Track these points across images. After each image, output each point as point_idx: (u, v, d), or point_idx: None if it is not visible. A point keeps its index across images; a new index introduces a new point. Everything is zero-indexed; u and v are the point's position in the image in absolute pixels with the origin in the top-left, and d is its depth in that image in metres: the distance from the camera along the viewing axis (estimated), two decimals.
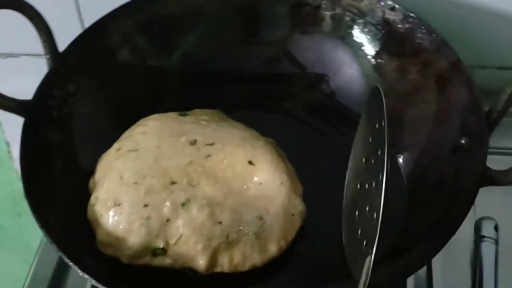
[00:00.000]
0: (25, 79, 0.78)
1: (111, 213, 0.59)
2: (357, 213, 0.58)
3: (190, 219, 0.58)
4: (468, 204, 0.57)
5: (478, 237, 0.66)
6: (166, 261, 0.58)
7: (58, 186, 0.61)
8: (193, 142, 0.62)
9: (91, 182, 0.63)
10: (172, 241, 0.58)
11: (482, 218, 0.67)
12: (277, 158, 0.63)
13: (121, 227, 0.58)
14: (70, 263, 0.54)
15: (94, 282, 0.53)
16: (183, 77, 0.72)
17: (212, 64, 0.73)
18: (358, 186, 0.60)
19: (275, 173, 0.61)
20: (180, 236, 0.58)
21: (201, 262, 0.57)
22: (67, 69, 0.66)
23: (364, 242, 0.54)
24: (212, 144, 0.62)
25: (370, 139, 0.58)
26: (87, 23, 0.74)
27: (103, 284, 0.53)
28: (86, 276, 0.53)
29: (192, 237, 0.58)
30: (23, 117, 0.62)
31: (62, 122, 0.65)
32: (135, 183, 0.60)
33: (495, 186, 0.59)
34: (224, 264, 0.58)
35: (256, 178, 0.61)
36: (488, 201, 0.61)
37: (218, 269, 0.58)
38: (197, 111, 0.68)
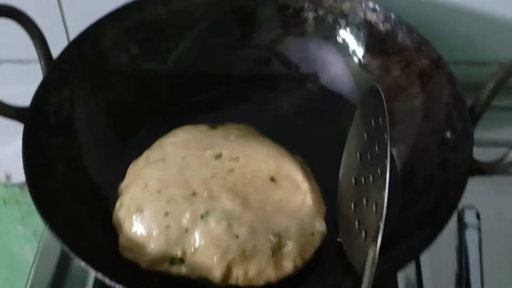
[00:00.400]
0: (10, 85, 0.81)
1: (133, 219, 0.61)
2: (353, 206, 0.61)
3: (208, 231, 0.59)
4: (457, 195, 0.59)
5: (462, 226, 0.69)
6: (183, 270, 0.59)
7: (62, 188, 0.62)
8: (218, 156, 0.64)
9: (119, 187, 0.64)
10: (189, 251, 0.59)
11: (464, 208, 0.70)
12: (301, 177, 0.63)
13: (141, 233, 0.60)
14: (82, 263, 0.55)
15: (107, 280, 0.54)
16: (175, 80, 0.73)
17: (203, 67, 0.74)
18: (353, 181, 0.62)
19: (296, 191, 0.62)
20: (198, 246, 0.59)
21: (216, 274, 0.58)
22: (61, 76, 0.67)
23: (363, 233, 0.57)
24: (237, 158, 0.63)
25: (365, 136, 0.61)
26: (72, 33, 0.76)
27: (116, 281, 0.54)
28: (100, 276, 0.54)
29: (209, 249, 0.59)
30: (22, 124, 0.63)
31: (61, 127, 0.66)
32: (158, 191, 0.61)
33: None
34: (239, 277, 0.58)
35: (276, 195, 0.62)
36: (469, 190, 0.61)
37: (232, 281, 0.58)
38: (228, 125, 0.69)
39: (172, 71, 0.74)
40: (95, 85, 0.70)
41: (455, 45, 0.80)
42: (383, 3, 0.72)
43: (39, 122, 0.64)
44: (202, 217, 0.59)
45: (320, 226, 0.61)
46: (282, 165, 0.64)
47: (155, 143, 0.67)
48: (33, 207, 1.02)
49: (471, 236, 0.69)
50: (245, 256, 0.58)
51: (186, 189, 0.61)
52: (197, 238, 0.59)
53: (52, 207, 0.60)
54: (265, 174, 0.63)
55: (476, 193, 0.69)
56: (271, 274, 0.59)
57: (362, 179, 0.60)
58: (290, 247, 0.59)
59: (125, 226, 0.61)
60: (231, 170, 0.62)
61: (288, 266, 0.59)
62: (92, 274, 0.64)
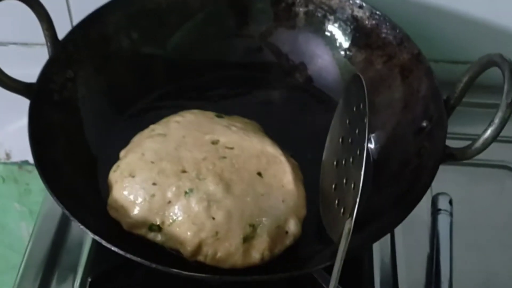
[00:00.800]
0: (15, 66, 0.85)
1: (124, 182, 0.65)
2: (333, 186, 0.65)
3: (188, 207, 0.62)
4: (429, 178, 0.63)
5: (435, 210, 0.73)
6: (159, 237, 0.63)
7: (63, 159, 0.66)
8: (215, 142, 0.67)
9: (121, 152, 0.68)
10: (167, 222, 0.63)
11: (438, 194, 0.74)
12: (288, 179, 0.65)
13: (128, 196, 0.64)
14: (81, 226, 0.59)
15: (98, 239, 0.58)
16: (172, 65, 0.77)
17: (199, 54, 0.78)
18: (335, 163, 0.67)
19: (279, 190, 0.64)
20: (175, 219, 0.63)
21: (187, 248, 0.62)
22: (66, 56, 0.71)
23: (342, 210, 0.61)
24: (232, 148, 0.66)
25: (347, 121, 0.65)
26: (76, 17, 0.80)
27: (107, 241, 0.58)
28: (92, 235, 0.59)
29: (185, 224, 0.62)
30: (28, 99, 0.67)
31: (63, 105, 0.69)
32: (152, 162, 0.65)
33: (449, 166, 0.65)
34: (208, 256, 0.62)
35: (259, 189, 0.64)
36: (443, 179, 0.65)
37: (201, 259, 0.62)
38: (235, 117, 0.72)
39: (170, 56, 0.78)
40: (97, 66, 0.73)
41: (436, 44, 0.84)
42: (369, 2, 0.76)
43: (43, 98, 0.68)
44: (185, 193, 0.63)
45: (294, 227, 0.63)
46: (272, 164, 0.66)
47: (162, 119, 0.70)
48: (30, 186, 1.07)
49: (443, 221, 0.73)
50: (217, 238, 0.61)
51: (177, 165, 0.65)
52: (177, 212, 0.63)
53: (53, 176, 0.63)
54: (254, 168, 0.65)
55: (450, 181, 0.75)
56: (237, 260, 0.62)
57: (343, 161, 0.65)
58: (261, 239, 0.62)
59: (116, 187, 0.65)
60: (223, 157, 0.65)
61: (255, 256, 0.62)
62: (86, 249, 0.70)
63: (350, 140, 0.64)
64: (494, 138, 0.60)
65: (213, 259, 0.62)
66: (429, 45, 0.82)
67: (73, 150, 0.68)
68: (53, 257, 0.72)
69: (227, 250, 0.62)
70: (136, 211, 0.63)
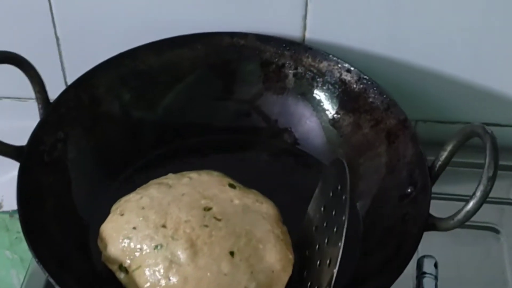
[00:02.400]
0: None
1: (114, 217, 0.68)
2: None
3: (152, 261, 0.64)
4: (413, 246, 0.64)
5: (420, 273, 0.73)
6: (124, 279, 0.65)
7: (51, 223, 0.67)
8: (207, 209, 0.67)
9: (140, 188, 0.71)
10: (133, 267, 0.65)
11: (423, 256, 0.73)
12: (264, 266, 0.65)
13: (112, 231, 0.67)
14: None
15: None
16: (162, 128, 0.78)
17: (189, 116, 0.79)
18: (314, 228, 0.68)
19: (245, 275, 0.64)
20: (138, 268, 0.64)
21: None
22: (57, 118, 0.72)
23: None
24: (219, 220, 0.66)
25: (322, 209, 0.67)
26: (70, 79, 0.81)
27: None
28: None
29: (144, 276, 0.64)
30: (18, 162, 0.68)
31: (53, 165, 0.70)
32: (143, 208, 0.67)
33: None
34: None
35: (223, 268, 0.63)
36: (429, 241, 0.66)
37: None
38: (253, 191, 0.71)
39: (160, 119, 0.79)
40: (87, 127, 0.74)
41: (424, 105, 0.85)
42: (357, 65, 0.77)
43: (33, 160, 0.69)
44: (155, 247, 0.64)
45: None
46: (251, 248, 0.65)
47: (183, 172, 0.72)
48: (21, 234, 1.06)
49: (428, 284, 0.72)
50: None
51: (160, 219, 0.66)
52: (142, 262, 0.64)
53: (40, 239, 0.64)
54: (228, 245, 0.64)
55: (436, 242, 0.75)
56: None
57: (317, 246, 0.65)
58: None
59: (108, 219, 0.68)
60: (205, 226, 0.65)
61: None
62: None
63: (324, 224, 0.65)
64: (476, 210, 0.61)
65: None
66: (418, 105, 0.85)
67: (61, 212, 0.69)
68: None
69: None
70: (113, 247, 0.66)
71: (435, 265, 0.74)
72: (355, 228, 0.71)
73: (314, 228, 0.67)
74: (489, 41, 0.80)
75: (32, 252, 0.62)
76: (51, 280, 0.60)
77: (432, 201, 0.67)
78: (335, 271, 0.59)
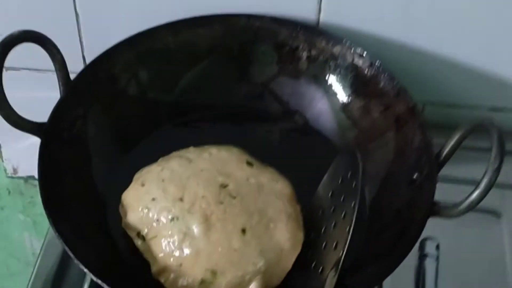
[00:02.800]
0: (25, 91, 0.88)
1: (135, 186, 0.71)
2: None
3: (168, 232, 0.67)
4: (417, 232, 0.66)
5: (422, 255, 0.76)
6: (141, 246, 0.69)
7: (70, 197, 0.69)
8: (224, 186, 0.69)
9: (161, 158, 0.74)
10: (150, 235, 0.68)
11: (425, 239, 0.77)
12: (273, 245, 0.67)
13: (132, 200, 0.71)
14: (84, 268, 0.62)
15: (100, 282, 0.61)
16: (177, 106, 0.80)
17: (204, 97, 0.81)
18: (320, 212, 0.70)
19: (254, 252, 0.66)
20: (155, 237, 0.68)
21: (153, 267, 0.67)
22: (76, 95, 0.73)
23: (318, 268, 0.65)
24: (233, 197, 0.68)
25: (330, 194, 0.69)
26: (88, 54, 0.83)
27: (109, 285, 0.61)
28: (94, 278, 0.61)
29: (159, 246, 0.67)
30: (39, 138, 0.70)
31: (72, 142, 0.72)
32: (163, 180, 0.70)
33: None
34: (168, 281, 0.66)
35: (234, 244, 0.66)
36: (432, 223, 0.67)
37: (162, 280, 0.67)
38: (269, 169, 0.73)
39: (175, 99, 0.81)
40: (105, 105, 0.76)
41: (433, 88, 0.87)
42: (370, 49, 0.79)
43: (54, 136, 0.71)
44: (172, 219, 0.67)
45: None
46: (262, 226, 0.68)
47: (204, 146, 0.74)
48: (34, 199, 1.11)
49: (429, 265, 0.76)
50: (180, 269, 0.66)
51: (179, 192, 0.69)
52: (159, 231, 0.68)
53: (60, 213, 0.66)
54: (240, 222, 0.67)
55: (438, 224, 0.77)
56: None
57: (323, 229, 0.68)
58: (218, 286, 0.65)
59: (130, 187, 0.72)
60: (220, 202, 0.68)
61: None
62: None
63: (332, 209, 0.68)
64: (480, 200, 0.63)
65: (172, 285, 0.66)
66: (428, 88, 0.87)
67: (80, 186, 0.71)
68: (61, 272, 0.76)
69: (185, 284, 0.66)
70: (132, 215, 0.69)
71: (437, 247, 0.77)
72: (360, 212, 0.73)
73: (320, 212, 0.70)
74: (500, 29, 0.81)
75: (52, 226, 0.64)
76: (70, 254, 0.63)
77: (438, 184, 0.69)
78: (343, 254, 0.62)
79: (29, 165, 1.02)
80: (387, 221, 0.71)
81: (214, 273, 0.66)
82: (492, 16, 0.80)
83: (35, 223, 1.13)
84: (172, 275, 0.66)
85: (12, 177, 1.06)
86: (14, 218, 1.14)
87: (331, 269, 0.63)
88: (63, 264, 0.76)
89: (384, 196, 0.74)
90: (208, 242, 0.66)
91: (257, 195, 0.70)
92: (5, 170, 1.04)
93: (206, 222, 0.67)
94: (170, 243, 0.67)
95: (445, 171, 0.70)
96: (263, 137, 0.81)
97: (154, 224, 0.68)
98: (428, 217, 0.67)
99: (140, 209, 0.69)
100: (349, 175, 0.66)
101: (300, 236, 0.69)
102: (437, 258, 0.77)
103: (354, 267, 0.67)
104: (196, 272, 0.66)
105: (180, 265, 0.66)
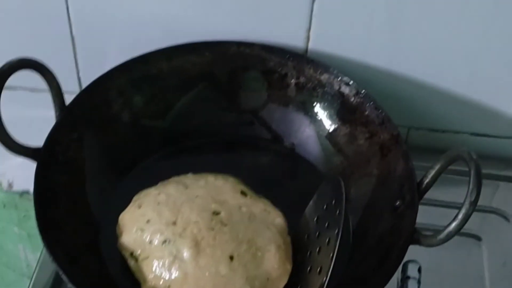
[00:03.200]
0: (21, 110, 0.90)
1: (132, 208, 0.74)
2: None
3: (159, 254, 0.69)
4: (399, 258, 0.68)
5: (404, 277, 0.78)
6: (133, 266, 0.70)
7: (65, 221, 0.71)
8: (216, 213, 0.71)
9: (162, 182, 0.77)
10: (142, 257, 0.70)
11: (408, 261, 0.78)
12: (258, 273, 0.69)
13: (128, 221, 0.73)
14: None
15: None
16: (169, 133, 0.82)
17: (194, 124, 0.83)
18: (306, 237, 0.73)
19: (241, 279, 0.68)
20: (146, 258, 0.70)
21: (145, 286, 0.69)
22: (72, 120, 0.75)
23: None
24: (225, 225, 0.70)
25: (315, 219, 0.71)
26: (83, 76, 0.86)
27: None
28: None
29: (149, 267, 0.69)
30: (35, 162, 0.72)
31: (67, 164, 0.74)
32: (158, 204, 0.72)
33: None
34: None
35: (221, 270, 0.68)
36: (414, 247, 0.69)
37: None
38: (262, 200, 0.76)
39: (167, 126, 0.83)
40: (99, 130, 0.78)
41: (417, 113, 0.90)
42: (357, 76, 0.81)
43: (50, 160, 0.72)
44: (163, 242, 0.70)
45: None
46: (250, 255, 0.69)
47: (202, 173, 0.77)
48: (29, 212, 1.12)
49: (411, 287, 0.78)
50: None
51: (172, 216, 0.71)
52: (150, 252, 0.70)
53: (54, 235, 0.68)
54: (229, 250, 0.69)
55: (420, 248, 0.79)
56: None
57: (308, 253, 0.70)
58: None
59: (127, 209, 0.74)
60: (211, 229, 0.70)
61: None
62: None
63: (317, 234, 0.70)
64: (457, 231, 0.66)
65: None
66: (412, 114, 0.90)
67: (75, 210, 0.73)
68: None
69: None
70: (127, 236, 0.72)
71: (419, 270, 0.79)
72: (344, 237, 0.74)
73: (306, 236, 0.72)
74: (484, 60, 0.84)
75: (47, 249, 0.66)
76: (64, 277, 0.65)
77: (420, 207, 0.71)
78: (326, 279, 0.64)
79: (24, 180, 1.05)
80: (370, 247, 0.73)
81: None
82: (476, 46, 0.83)
83: (29, 236, 1.15)
84: None
85: (7, 192, 1.08)
86: (9, 231, 1.15)
87: None
88: (59, 279, 0.78)
89: (367, 222, 0.76)
90: (196, 267, 0.68)
91: (248, 224, 0.72)
92: (0, 184, 1.06)
93: (196, 247, 0.69)
94: (160, 265, 0.69)
95: (427, 194, 0.73)
96: (252, 163, 0.83)
97: (147, 245, 0.70)
98: (409, 244, 0.69)
99: (134, 230, 0.72)
100: (333, 202, 0.68)
101: (288, 267, 0.71)
102: (419, 281, 0.79)
103: None
104: None
105: (168, 287, 0.69)
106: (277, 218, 0.74)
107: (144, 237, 0.71)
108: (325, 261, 0.65)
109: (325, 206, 0.71)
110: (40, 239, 0.77)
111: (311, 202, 0.74)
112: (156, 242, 0.70)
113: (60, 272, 0.65)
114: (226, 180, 0.76)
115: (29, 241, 1.15)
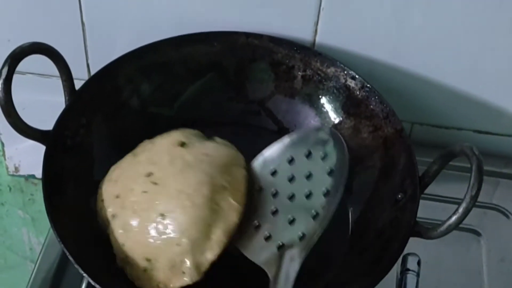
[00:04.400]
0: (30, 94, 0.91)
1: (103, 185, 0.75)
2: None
3: (113, 228, 0.71)
4: (399, 250, 0.69)
5: (403, 270, 0.79)
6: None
7: (72, 205, 0.72)
8: (148, 175, 0.72)
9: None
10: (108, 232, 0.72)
11: (407, 254, 0.79)
12: (190, 222, 0.68)
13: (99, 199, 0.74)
14: (84, 274, 0.65)
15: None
16: (175, 120, 0.83)
17: (201, 113, 0.84)
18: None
19: (177, 232, 0.68)
20: (111, 233, 0.71)
21: (117, 259, 0.71)
22: (81, 105, 0.76)
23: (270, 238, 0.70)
24: (156, 184, 0.71)
25: (289, 160, 0.72)
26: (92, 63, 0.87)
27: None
28: (93, 282, 0.65)
29: (113, 240, 0.71)
30: (44, 145, 0.73)
31: (75, 149, 0.75)
32: (111, 180, 0.75)
33: None
34: (128, 272, 0.70)
35: (159, 230, 0.68)
36: (413, 240, 0.70)
37: (126, 271, 0.70)
38: (207, 144, 0.75)
39: (174, 114, 0.84)
40: (108, 115, 0.79)
41: (421, 109, 0.91)
42: (363, 70, 0.82)
43: (58, 144, 0.74)
44: (112, 217, 0.71)
45: (190, 271, 0.67)
46: (179, 208, 0.69)
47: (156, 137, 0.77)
48: (34, 196, 1.14)
49: (410, 280, 0.78)
50: (127, 261, 0.70)
51: (117, 190, 0.73)
52: (111, 228, 0.72)
53: (62, 219, 0.69)
54: (161, 208, 0.69)
55: (420, 241, 0.79)
56: (144, 286, 0.69)
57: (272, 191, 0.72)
58: (157, 273, 0.68)
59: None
60: (144, 192, 0.71)
61: (153, 286, 0.69)
62: None
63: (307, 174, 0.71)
64: (457, 224, 0.67)
65: (130, 276, 0.70)
66: (416, 109, 0.91)
67: (81, 194, 0.74)
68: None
69: (135, 274, 0.70)
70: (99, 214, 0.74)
71: (418, 263, 0.79)
72: (343, 228, 0.77)
73: (288, 161, 0.73)
74: (489, 58, 0.85)
75: (54, 231, 0.67)
76: (71, 259, 0.66)
77: (421, 202, 0.72)
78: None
79: (30, 165, 1.07)
80: (370, 239, 0.74)
81: (149, 260, 0.69)
82: (481, 43, 0.84)
83: (33, 219, 1.16)
84: (127, 267, 0.70)
85: (13, 175, 1.09)
86: (13, 214, 1.17)
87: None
88: (63, 262, 0.80)
89: (369, 214, 0.77)
90: (139, 233, 0.69)
91: (179, 176, 0.71)
92: (7, 168, 1.07)
93: (135, 214, 0.70)
94: (117, 238, 0.70)
95: (428, 189, 0.74)
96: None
97: (108, 222, 0.72)
98: (409, 237, 0.70)
99: (99, 208, 0.74)
100: (322, 154, 0.70)
101: (234, 204, 0.70)
102: (418, 274, 0.79)
103: (336, 283, 0.71)
104: (139, 262, 0.69)
105: (127, 256, 0.70)
106: (219, 157, 0.73)
107: (104, 215, 0.72)
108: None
109: (306, 152, 0.71)
110: (43, 223, 0.79)
111: (286, 139, 0.75)
112: (110, 217, 0.72)
113: (67, 254, 0.66)
114: (168, 136, 0.76)
115: (33, 225, 1.17)
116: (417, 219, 0.71)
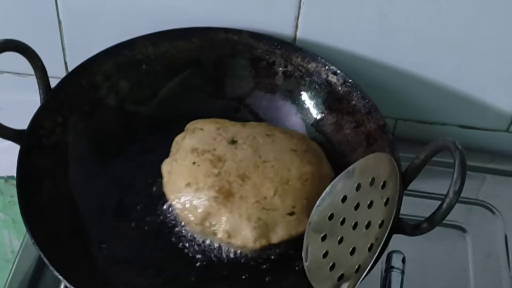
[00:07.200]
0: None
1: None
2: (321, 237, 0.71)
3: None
4: (382, 247, 0.66)
5: (388, 267, 0.78)
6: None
7: (47, 205, 0.71)
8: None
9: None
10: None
11: (392, 252, 0.78)
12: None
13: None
14: (59, 276, 0.64)
15: None
16: (154, 119, 0.82)
17: (179, 110, 0.83)
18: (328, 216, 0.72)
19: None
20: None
21: None
22: (57, 103, 0.75)
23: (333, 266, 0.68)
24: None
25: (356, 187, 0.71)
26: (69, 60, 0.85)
27: None
28: (68, 284, 0.64)
29: None
30: (19, 145, 0.72)
31: (51, 149, 0.74)
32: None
33: None
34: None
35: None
36: (398, 237, 0.70)
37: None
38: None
39: (152, 111, 0.82)
40: (84, 114, 0.78)
41: (405, 105, 0.90)
42: (345, 65, 0.81)
43: (33, 143, 0.72)
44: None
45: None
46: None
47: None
48: (14, 198, 1.11)
49: (395, 278, 0.77)
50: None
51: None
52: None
53: (37, 219, 0.68)
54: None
55: (405, 238, 0.78)
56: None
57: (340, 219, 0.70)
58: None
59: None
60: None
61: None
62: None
63: (356, 204, 0.70)
64: (441, 220, 0.66)
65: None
66: (400, 105, 0.90)
67: (58, 194, 0.73)
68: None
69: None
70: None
71: (403, 260, 0.78)
72: None
73: (341, 198, 0.72)
74: (472, 53, 0.84)
75: (29, 232, 0.66)
76: (45, 260, 0.65)
77: (405, 198, 0.71)
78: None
79: (9, 165, 1.04)
80: None
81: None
82: (464, 38, 0.83)
83: (14, 221, 1.14)
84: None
85: None
86: None
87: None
88: (41, 265, 0.78)
89: None
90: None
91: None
92: None
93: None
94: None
95: (412, 185, 0.72)
96: None
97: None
98: (393, 233, 0.69)
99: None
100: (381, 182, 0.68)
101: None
102: (403, 271, 0.78)
103: None
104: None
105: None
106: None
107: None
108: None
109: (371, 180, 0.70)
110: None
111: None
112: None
113: (42, 256, 0.65)
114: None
115: (14, 227, 1.14)
116: (401, 216, 0.70)
